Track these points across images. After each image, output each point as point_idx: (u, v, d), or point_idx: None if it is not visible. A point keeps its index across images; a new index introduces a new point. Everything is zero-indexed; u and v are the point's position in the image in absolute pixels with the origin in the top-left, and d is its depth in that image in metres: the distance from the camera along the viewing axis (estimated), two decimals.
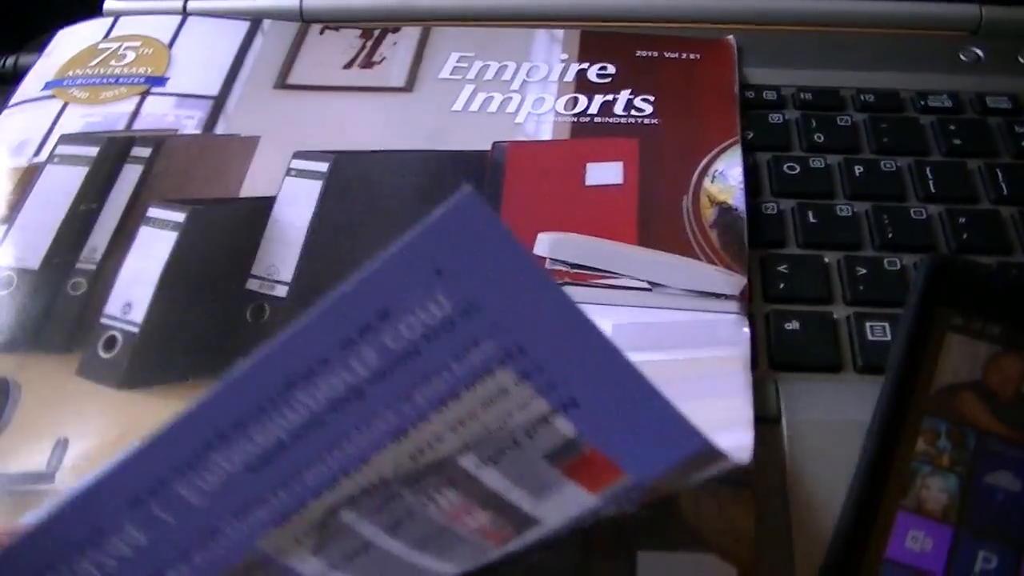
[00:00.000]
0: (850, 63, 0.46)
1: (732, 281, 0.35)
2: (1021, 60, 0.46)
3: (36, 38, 0.48)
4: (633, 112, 0.42)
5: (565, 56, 0.45)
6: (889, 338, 0.34)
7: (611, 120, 0.42)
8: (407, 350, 0.19)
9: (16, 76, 0.45)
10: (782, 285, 0.36)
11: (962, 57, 0.46)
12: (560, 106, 0.43)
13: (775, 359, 0.34)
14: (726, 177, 0.39)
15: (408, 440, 0.20)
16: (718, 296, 0.35)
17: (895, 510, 0.28)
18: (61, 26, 0.47)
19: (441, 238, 0.18)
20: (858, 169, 0.41)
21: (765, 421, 0.32)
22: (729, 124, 0.41)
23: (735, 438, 0.30)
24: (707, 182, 0.39)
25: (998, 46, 0.47)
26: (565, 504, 0.23)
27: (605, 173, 0.39)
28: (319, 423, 0.19)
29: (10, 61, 0.46)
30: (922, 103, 0.44)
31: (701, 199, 0.38)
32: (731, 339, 0.34)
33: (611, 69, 0.44)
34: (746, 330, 0.34)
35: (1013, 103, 0.44)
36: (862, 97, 0.44)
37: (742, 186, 0.38)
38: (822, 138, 0.42)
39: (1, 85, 0.45)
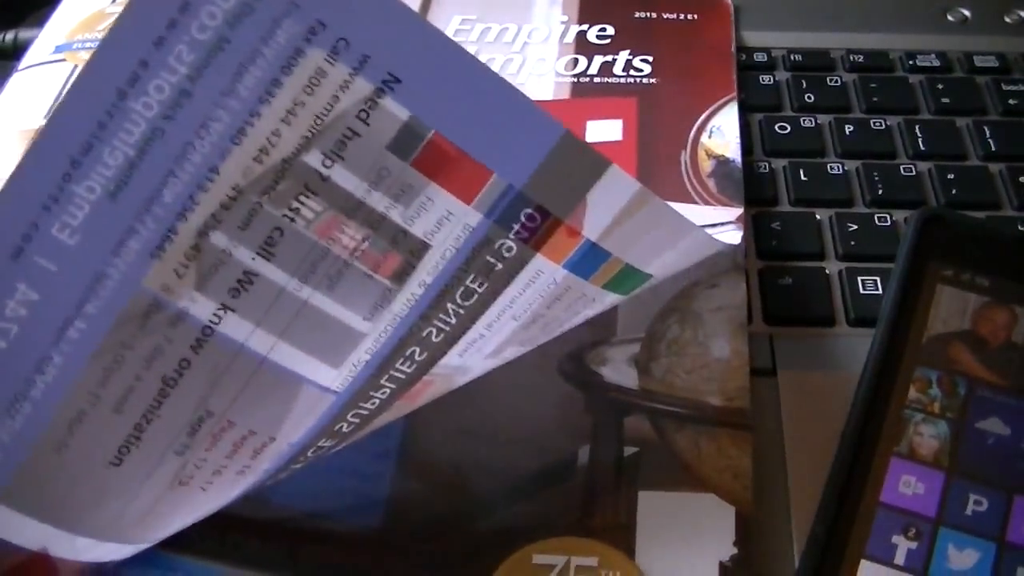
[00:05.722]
0: (839, 24, 0.46)
1: (728, 211, 0.36)
2: (1007, 20, 0.46)
3: (34, 12, 0.48)
4: (632, 72, 0.42)
5: (565, 18, 0.45)
6: (880, 291, 0.35)
7: (611, 80, 0.42)
8: (217, 39, 0.20)
9: (16, 51, 0.45)
10: (775, 242, 0.37)
11: (949, 18, 0.47)
12: (560, 67, 0.43)
13: (770, 314, 0.35)
14: (723, 132, 0.39)
15: (248, 140, 0.21)
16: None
17: (888, 456, 0.28)
18: None
19: None
20: (848, 128, 0.41)
21: (761, 373, 0.33)
22: (726, 82, 0.41)
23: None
24: (705, 137, 0.39)
25: (984, 6, 0.47)
26: (443, 223, 0.23)
27: (604, 130, 0.40)
28: (158, 133, 0.20)
29: (10, 36, 0.46)
30: (911, 63, 0.44)
31: (699, 153, 0.39)
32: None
33: (610, 30, 0.44)
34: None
35: (1000, 62, 0.44)
36: (852, 58, 0.44)
37: (739, 140, 0.39)
38: (813, 98, 0.43)
39: (2, 60, 0.45)
